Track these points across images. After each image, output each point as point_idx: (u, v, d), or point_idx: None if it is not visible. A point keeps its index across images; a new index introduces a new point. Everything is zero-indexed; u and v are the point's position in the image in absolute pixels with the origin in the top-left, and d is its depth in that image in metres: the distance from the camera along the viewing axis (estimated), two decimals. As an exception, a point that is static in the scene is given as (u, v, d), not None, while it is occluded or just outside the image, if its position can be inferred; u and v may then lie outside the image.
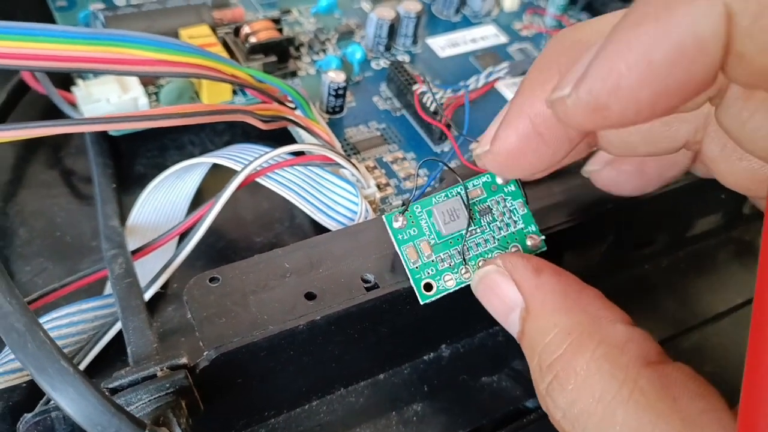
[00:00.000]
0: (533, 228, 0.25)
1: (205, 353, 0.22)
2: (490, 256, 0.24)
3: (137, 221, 0.30)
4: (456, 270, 0.24)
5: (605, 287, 0.32)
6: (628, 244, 0.31)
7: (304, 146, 0.29)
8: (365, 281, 0.24)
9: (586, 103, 0.14)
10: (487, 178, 0.26)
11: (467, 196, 0.24)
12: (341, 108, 0.36)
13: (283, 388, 0.25)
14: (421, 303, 0.23)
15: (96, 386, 0.18)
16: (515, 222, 0.25)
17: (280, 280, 0.24)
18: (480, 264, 0.24)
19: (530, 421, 0.26)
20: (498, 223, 0.25)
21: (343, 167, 0.30)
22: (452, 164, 0.31)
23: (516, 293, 0.21)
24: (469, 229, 0.24)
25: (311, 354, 0.24)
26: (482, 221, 0.25)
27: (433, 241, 0.24)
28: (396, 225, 0.24)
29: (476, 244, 0.24)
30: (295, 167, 0.30)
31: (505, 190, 0.26)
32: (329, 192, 0.30)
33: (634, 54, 0.13)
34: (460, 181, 0.25)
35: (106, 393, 0.20)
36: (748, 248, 0.35)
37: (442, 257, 0.24)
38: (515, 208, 0.25)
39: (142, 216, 0.31)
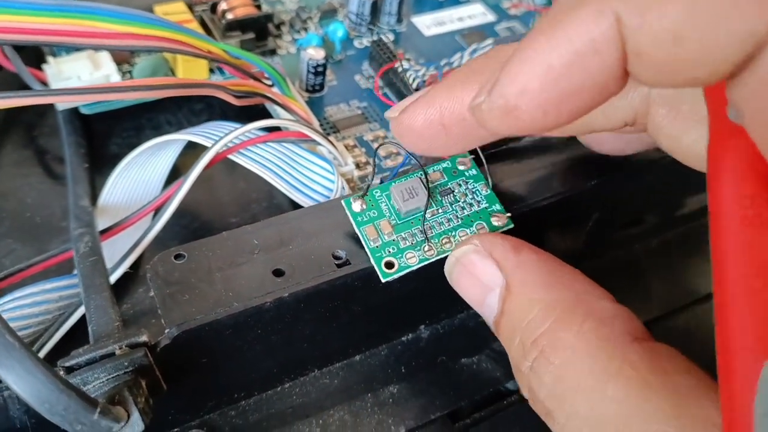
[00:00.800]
0: (497, 207, 0.24)
1: (166, 331, 0.21)
2: (453, 234, 0.23)
3: (108, 201, 0.30)
4: (418, 248, 0.23)
5: (592, 267, 0.31)
6: (615, 223, 0.30)
7: (278, 121, 0.28)
8: (336, 258, 0.23)
9: (498, 106, 0.16)
10: (447, 163, 0.25)
11: (426, 177, 0.24)
12: (321, 86, 0.35)
13: (253, 368, 0.24)
14: (383, 281, 0.23)
15: (44, 362, 0.17)
16: (478, 202, 0.24)
17: (248, 256, 0.23)
18: (444, 242, 0.23)
19: (510, 402, 0.26)
20: (460, 203, 0.24)
21: (319, 144, 0.29)
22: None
23: (495, 272, 0.21)
24: (429, 208, 0.24)
25: (280, 333, 0.23)
26: (444, 201, 0.24)
27: (393, 222, 0.23)
28: (355, 208, 0.23)
29: (439, 224, 0.24)
30: (269, 144, 0.29)
31: (466, 174, 0.25)
32: (305, 169, 0.29)
33: (536, 60, 0.15)
34: (420, 165, 0.24)
35: (59, 370, 0.20)
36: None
37: (404, 236, 0.23)
38: (477, 189, 0.25)
39: (113, 195, 0.30)
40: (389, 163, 0.32)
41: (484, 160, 0.25)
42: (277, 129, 0.29)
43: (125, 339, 0.21)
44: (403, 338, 0.27)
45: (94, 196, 0.30)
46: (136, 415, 0.19)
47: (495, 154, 0.27)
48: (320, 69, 0.34)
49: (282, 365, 0.24)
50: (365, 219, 0.23)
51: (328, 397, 0.25)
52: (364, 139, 0.33)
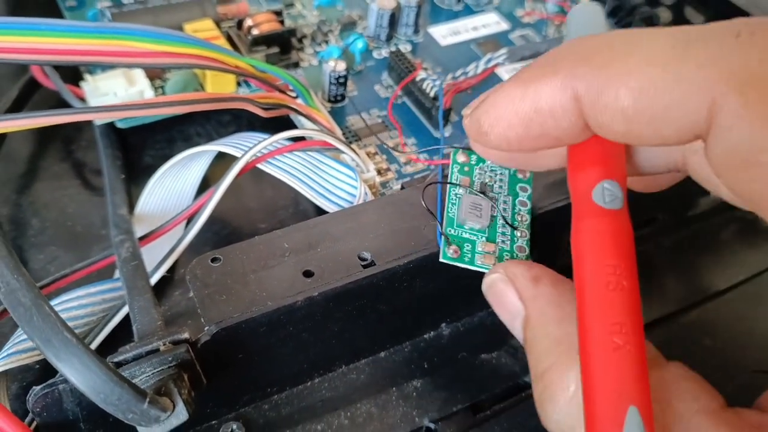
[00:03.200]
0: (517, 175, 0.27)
1: (206, 328, 0.22)
2: (517, 207, 0.26)
3: (144, 209, 0.31)
4: (516, 238, 0.25)
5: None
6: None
7: (303, 131, 0.30)
8: (362, 259, 0.25)
9: (474, 127, 0.20)
10: (457, 166, 0.26)
11: (465, 187, 0.26)
12: (343, 97, 0.36)
13: (285, 364, 0.25)
14: (439, 260, 0.24)
15: (99, 357, 0.19)
16: (503, 174, 0.27)
17: (279, 259, 0.25)
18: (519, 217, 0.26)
19: (528, 395, 0.27)
20: (497, 184, 0.26)
21: (342, 152, 0.31)
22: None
23: (517, 301, 0.21)
24: (493, 204, 0.26)
25: (311, 330, 0.25)
26: (488, 194, 0.26)
27: (485, 238, 0.25)
28: (453, 254, 0.24)
29: (504, 210, 0.26)
30: (295, 153, 0.30)
31: (473, 162, 0.27)
32: (329, 176, 0.30)
33: (507, 104, 0.19)
34: (449, 184, 0.26)
35: (110, 365, 0.21)
36: (752, 227, 0.35)
37: (501, 240, 0.25)
38: (492, 166, 0.27)
39: (149, 204, 0.31)
40: (409, 168, 0.34)
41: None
42: (302, 139, 0.31)
43: (168, 336, 0.22)
44: (425, 335, 0.28)
45: (131, 205, 0.32)
46: (180, 405, 0.21)
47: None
48: (342, 80, 0.35)
49: (312, 361, 0.26)
50: (470, 256, 0.24)
51: (356, 391, 0.26)
52: (385, 147, 0.35)
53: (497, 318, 0.30)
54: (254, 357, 0.24)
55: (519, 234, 0.25)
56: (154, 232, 0.29)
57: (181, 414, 0.21)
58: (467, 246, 0.25)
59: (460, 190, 0.26)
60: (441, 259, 0.24)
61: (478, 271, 0.24)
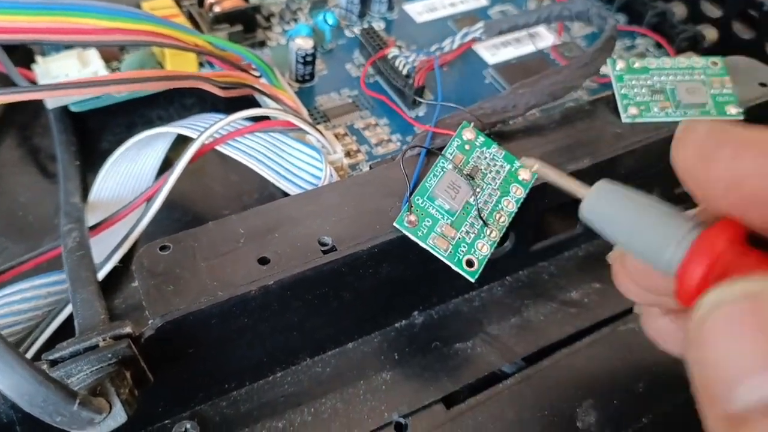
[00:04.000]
0: (518, 163, 0.26)
1: (150, 322, 0.21)
2: (500, 205, 0.25)
3: (99, 196, 0.30)
4: (482, 235, 0.24)
5: (589, 250, 0.31)
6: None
7: (263, 111, 0.28)
8: (322, 244, 0.23)
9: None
10: (458, 140, 0.25)
11: (454, 164, 0.25)
12: (311, 76, 0.35)
13: (242, 358, 0.24)
14: (473, 280, 0.23)
15: (22, 355, 0.17)
16: (502, 166, 0.26)
17: (234, 245, 0.23)
18: (498, 218, 0.24)
19: (507, 386, 0.25)
20: (490, 174, 0.25)
21: (307, 133, 0.29)
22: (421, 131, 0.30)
23: None
24: (474, 192, 0.24)
25: (268, 321, 0.23)
26: (477, 180, 0.25)
27: (450, 221, 0.24)
28: (410, 225, 0.23)
29: (485, 203, 0.25)
30: (257, 134, 0.29)
31: (477, 143, 0.26)
32: (293, 158, 0.29)
33: None
34: (430, 149, 0.25)
35: (42, 364, 0.19)
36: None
37: (466, 230, 0.24)
38: (495, 154, 0.26)
39: (103, 191, 0.30)
40: (380, 150, 0.32)
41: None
42: (265, 119, 0.29)
43: (109, 331, 0.20)
44: (396, 324, 0.27)
45: (85, 193, 0.30)
46: (118, 406, 0.19)
47: (489, 133, 0.27)
48: (309, 59, 0.34)
49: (272, 354, 0.24)
50: (425, 231, 0.23)
51: (320, 385, 0.25)
52: (355, 128, 0.33)
53: (473, 304, 0.28)
54: (207, 351, 0.22)
55: (488, 232, 0.24)
56: (106, 221, 0.27)
57: (118, 416, 0.19)
58: (427, 221, 0.23)
59: (449, 165, 0.24)
60: (394, 223, 0.23)
61: (425, 249, 0.23)
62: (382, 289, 0.25)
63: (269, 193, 0.32)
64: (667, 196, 0.32)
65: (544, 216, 0.29)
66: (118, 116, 0.34)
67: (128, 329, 0.21)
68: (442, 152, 0.25)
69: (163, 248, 0.23)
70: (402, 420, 0.24)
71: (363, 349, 0.26)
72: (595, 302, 0.28)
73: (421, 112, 0.34)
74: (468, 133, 0.26)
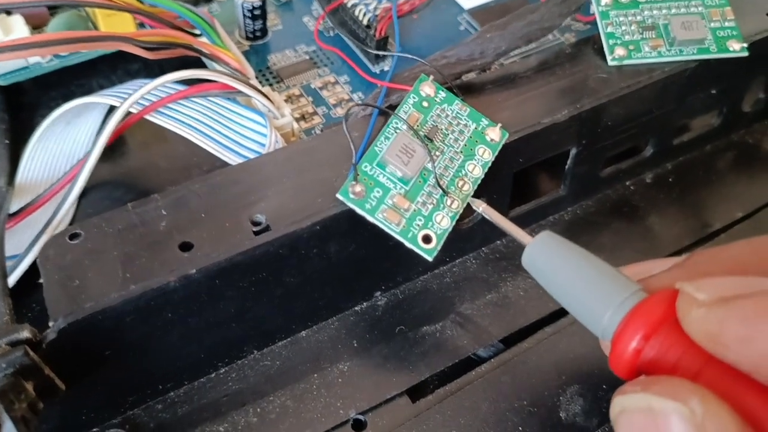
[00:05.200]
0: (485, 122, 0.23)
1: (51, 324, 0.18)
2: (463, 171, 0.22)
3: (26, 178, 0.27)
4: (442, 205, 0.21)
5: (578, 212, 0.27)
6: (598, 158, 0.26)
7: (192, 72, 0.24)
8: (254, 223, 0.20)
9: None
10: (414, 97, 0.22)
11: (408, 125, 0.22)
12: (263, 32, 0.31)
13: (175, 356, 0.21)
14: (430, 259, 0.20)
15: None
16: (466, 125, 0.22)
17: (153, 230, 0.20)
18: (461, 186, 0.21)
19: (480, 374, 0.22)
20: (452, 135, 0.22)
21: (249, 96, 0.25)
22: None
23: None
24: (432, 156, 0.21)
25: (199, 314, 0.20)
26: (436, 142, 0.22)
27: (403, 191, 0.21)
28: (354, 196, 0.20)
29: (445, 168, 0.22)
30: (193, 100, 0.25)
31: (437, 99, 0.22)
32: (235, 125, 0.25)
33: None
34: (382, 109, 0.22)
35: None
36: (752, 153, 0.30)
37: (423, 200, 0.21)
38: (458, 112, 0.23)
39: (30, 172, 0.27)
40: (339, 111, 0.29)
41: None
42: (202, 82, 0.26)
43: (4, 336, 0.18)
44: (356, 308, 0.24)
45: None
46: (8, 425, 0.16)
47: (458, 86, 0.24)
48: (257, 12, 0.30)
49: (211, 350, 0.21)
50: (374, 203, 0.20)
51: (268, 381, 0.22)
52: (312, 87, 0.30)
53: (444, 280, 0.25)
54: (129, 352, 0.20)
55: (449, 202, 0.21)
56: (26, 208, 0.24)
57: (10, 436, 0.16)
58: (377, 192, 0.20)
59: (402, 126, 0.21)
60: (338, 195, 0.20)
61: (375, 225, 0.20)
62: (334, 271, 0.22)
63: (221, 164, 0.29)
64: (664, 147, 0.28)
65: (524, 176, 0.25)
66: (53, 88, 0.31)
67: (26, 333, 0.18)
68: (395, 111, 0.22)
69: (73, 236, 0.20)
70: (361, 417, 0.21)
71: (318, 337, 0.23)
72: (583, 272, 0.25)
73: (387, 66, 0.31)
74: (426, 88, 0.22)
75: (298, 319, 0.23)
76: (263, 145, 0.25)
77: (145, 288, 0.18)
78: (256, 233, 0.20)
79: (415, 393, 0.22)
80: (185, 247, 0.19)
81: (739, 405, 0.13)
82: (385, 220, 0.20)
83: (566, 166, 0.25)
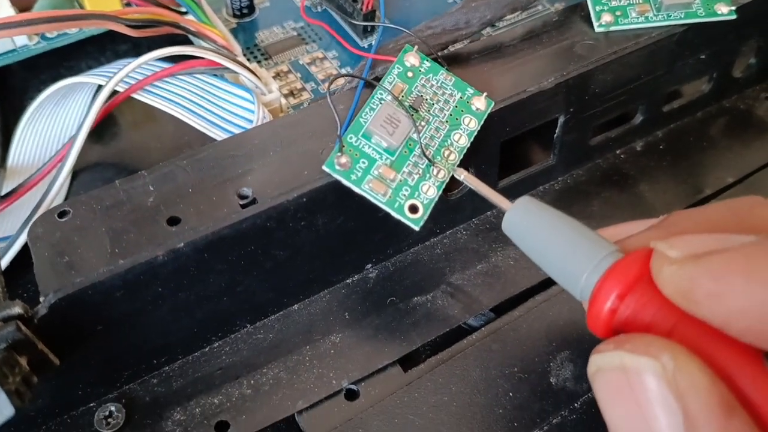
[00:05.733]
0: (471, 91, 0.23)
1: (41, 299, 0.18)
2: (449, 140, 0.22)
3: (17, 161, 0.27)
4: (428, 175, 0.21)
5: (569, 182, 0.27)
6: (587, 126, 0.26)
7: (178, 49, 0.24)
8: (241, 197, 0.20)
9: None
10: (398, 67, 0.22)
11: (393, 95, 0.21)
12: (250, 9, 0.31)
13: (167, 330, 0.21)
14: (417, 228, 0.21)
15: None
16: (452, 95, 0.22)
17: (141, 205, 0.20)
18: (447, 155, 0.21)
19: (471, 342, 0.22)
20: (437, 105, 0.22)
21: (235, 72, 0.25)
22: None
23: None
24: (417, 126, 0.21)
25: (189, 288, 0.20)
26: (422, 112, 0.22)
27: (389, 161, 0.21)
28: (340, 167, 0.20)
29: (431, 138, 0.22)
30: (179, 78, 0.25)
31: (422, 69, 0.22)
32: (223, 102, 0.25)
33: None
34: (368, 80, 0.22)
35: None
36: (743, 119, 0.30)
37: (408, 170, 0.21)
38: (443, 82, 0.23)
39: (22, 155, 0.27)
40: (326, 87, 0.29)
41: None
42: (188, 59, 0.26)
43: (-3, 312, 0.18)
44: (347, 280, 0.24)
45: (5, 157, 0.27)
46: (2, 398, 0.17)
47: (444, 57, 0.24)
48: (244, -11, 0.30)
49: (204, 324, 0.22)
50: (360, 174, 0.20)
51: (261, 354, 0.22)
52: (300, 63, 0.29)
53: (435, 251, 0.25)
54: (121, 327, 0.20)
55: (435, 172, 0.21)
56: (17, 190, 0.24)
57: (4, 408, 0.17)
58: (362, 163, 0.20)
59: (387, 96, 0.21)
60: (323, 166, 0.20)
61: (362, 196, 0.20)
62: (324, 243, 0.22)
63: (213, 141, 0.29)
64: (654, 114, 0.28)
65: (514, 145, 0.25)
66: (43, 71, 0.31)
67: (17, 309, 0.18)
68: (380, 82, 0.22)
69: (62, 214, 0.20)
70: (353, 387, 0.22)
71: (310, 310, 0.23)
72: (573, 240, 0.25)
73: (375, 41, 0.30)
74: (411, 58, 0.22)
75: (290, 292, 0.23)
76: (251, 121, 0.25)
77: (134, 262, 0.19)
78: (243, 206, 0.20)
79: (407, 362, 0.22)
80: (173, 221, 0.20)
81: (710, 359, 0.13)
82: (371, 190, 0.20)
83: (555, 135, 0.25)
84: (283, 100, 0.26)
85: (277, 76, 0.29)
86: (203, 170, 0.21)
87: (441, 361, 0.22)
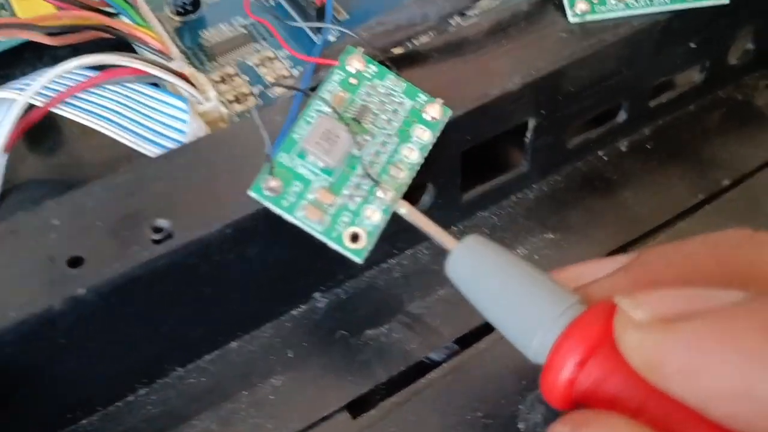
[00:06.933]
0: (424, 97, 0.20)
1: None
2: (398, 156, 0.19)
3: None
4: (372, 197, 0.18)
5: (546, 189, 0.25)
6: (561, 128, 0.23)
7: (98, 58, 0.22)
8: (156, 230, 0.18)
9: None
10: (339, 73, 0.19)
11: (332, 107, 0.19)
12: (195, 4, 0.28)
13: (78, 382, 0.18)
14: (360, 261, 0.18)
15: None
16: (401, 103, 0.19)
17: (39, 242, 0.17)
18: (395, 174, 0.18)
19: (429, 382, 0.20)
20: (384, 116, 0.19)
21: (165, 80, 0.23)
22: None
23: None
24: (359, 141, 0.18)
25: (97, 337, 0.18)
26: (366, 125, 0.19)
27: (327, 182, 0.18)
28: (269, 192, 0.17)
29: (376, 154, 0.19)
30: (108, 88, 0.23)
31: (368, 74, 0.19)
32: (154, 113, 0.23)
33: None
34: (306, 92, 0.19)
35: None
36: (742, 110, 0.27)
37: (350, 193, 0.18)
38: (391, 88, 0.20)
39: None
40: (278, 91, 0.26)
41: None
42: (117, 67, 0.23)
43: None
44: (293, 311, 0.21)
45: None
46: None
47: (394, 58, 0.21)
48: (184, -17, 0.27)
49: (123, 371, 0.19)
50: (293, 199, 0.18)
51: (192, 402, 0.20)
52: (248, 64, 0.27)
53: (392, 275, 0.23)
54: (18, 382, 0.17)
55: (381, 193, 0.18)
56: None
57: None
58: (296, 186, 0.18)
59: (325, 108, 0.19)
60: (249, 191, 0.17)
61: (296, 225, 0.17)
62: (261, 275, 0.20)
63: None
64: (639, 110, 0.25)
65: (481, 150, 0.23)
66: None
67: None
68: (316, 91, 0.19)
69: (-48, 255, 0.17)
70: (295, 438, 0.19)
71: (249, 348, 0.21)
72: (548, 259, 0.22)
73: (331, 37, 0.28)
74: (354, 62, 0.20)
75: (225, 329, 0.20)
76: (183, 132, 0.22)
77: (27, 314, 0.16)
78: (157, 242, 0.17)
79: (357, 407, 0.20)
80: (75, 262, 0.17)
81: None
82: (304, 218, 0.18)
83: (526, 140, 0.23)
84: (224, 109, 0.23)
85: (221, 80, 0.26)
86: (117, 199, 0.18)
87: (395, 405, 0.20)
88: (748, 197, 0.24)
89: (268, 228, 0.18)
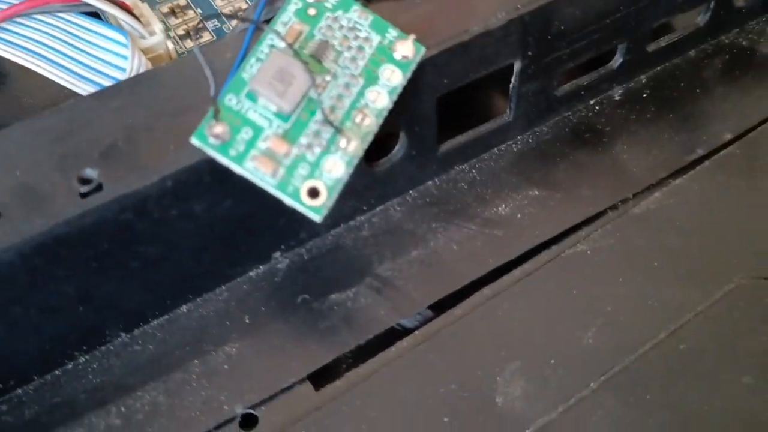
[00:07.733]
0: (394, 33, 0.17)
1: None
2: (363, 100, 0.16)
3: None
4: (334, 146, 0.16)
5: (531, 142, 0.22)
6: (550, 74, 0.21)
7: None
8: (84, 181, 0.15)
9: None
10: (296, 3, 0.17)
11: (287, 41, 0.16)
12: (144, -72, 0.25)
13: (9, 348, 0.16)
14: (319, 219, 0.16)
15: None
16: (368, 39, 0.17)
17: (-48, 195, 0.15)
18: (360, 120, 0.16)
19: (403, 349, 0.18)
20: (348, 53, 0.17)
21: (105, 11, 0.20)
22: None
23: None
24: (318, 83, 0.16)
25: (22, 301, 0.16)
26: (327, 64, 0.17)
27: (281, 129, 0.16)
28: (214, 140, 0.15)
29: (338, 98, 0.16)
30: (37, 19, 0.20)
31: (328, 5, 0.17)
32: (91, 48, 0.20)
33: None
34: (256, 23, 0.17)
35: None
36: (746, 58, 0.25)
37: (308, 142, 0.16)
38: (356, 22, 0.17)
39: None
40: (235, 24, 0.23)
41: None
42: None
43: None
44: (250, 273, 0.19)
45: None
46: None
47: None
48: None
49: (59, 337, 0.17)
50: (242, 148, 0.15)
51: (138, 372, 0.18)
52: (202, -4, 0.24)
53: (362, 234, 0.21)
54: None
55: (343, 142, 0.16)
56: None
57: None
58: (246, 132, 0.15)
59: (279, 43, 0.16)
60: (192, 139, 0.15)
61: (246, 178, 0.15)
62: (210, 233, 0.17)
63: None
64: (637, 55, 0.23)
65: (459, 96, 0.20)
66: None
67: None
68: (270, 24, 0.16)
69: None
70: (251, 411, 0.17)
71: (201, 313, 0.19)
72: (532, 218, 0.20)
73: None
74: None
75: (174, 292, 0.18)
76: (123, 70, 0.20)
77: (-69, 276, 0.14)
78: (84, 195, 0.15)
79: (320, 378, 0.18)
80: (-10, 218, 0.15)
81: None
82: (255, 170, 0.15)
83: (510, 85, 0.20)
84: (171, 45, 0.21)
85: (171, 12, 0.23)
86: (39, 145, 0.16)
87: (362, 377, 0.18)
88: (750, 154, 0.22)
89: (215, 181, 0.16)
